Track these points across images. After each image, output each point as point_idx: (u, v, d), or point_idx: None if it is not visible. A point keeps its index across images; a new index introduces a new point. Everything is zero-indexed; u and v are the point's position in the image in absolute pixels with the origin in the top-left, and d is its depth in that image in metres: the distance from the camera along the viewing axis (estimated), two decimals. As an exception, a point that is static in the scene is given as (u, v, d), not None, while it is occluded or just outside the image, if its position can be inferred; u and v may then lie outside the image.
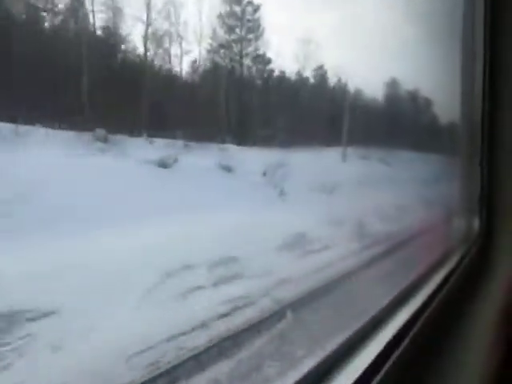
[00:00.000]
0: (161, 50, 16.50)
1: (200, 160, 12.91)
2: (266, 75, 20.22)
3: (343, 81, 20.77)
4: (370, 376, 0.95)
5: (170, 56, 16.89)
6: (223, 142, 16.27)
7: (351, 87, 20.54)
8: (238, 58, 19.06)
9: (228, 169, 13.32)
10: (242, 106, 18.34)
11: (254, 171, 13.44)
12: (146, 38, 15.45)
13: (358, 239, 8.85)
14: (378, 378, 0.96)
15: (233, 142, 16.58)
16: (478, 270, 1.88)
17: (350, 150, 17.51)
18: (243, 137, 17.37)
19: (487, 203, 2.21)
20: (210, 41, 18.46)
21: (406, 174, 14.83)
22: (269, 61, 19.85)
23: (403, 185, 14.41)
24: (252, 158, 14.22)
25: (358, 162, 16.90)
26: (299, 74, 20.92)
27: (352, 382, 0.91)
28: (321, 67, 20.57)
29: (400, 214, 10.70)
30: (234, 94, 18.52)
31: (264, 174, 13.63)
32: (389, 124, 18.68)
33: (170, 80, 17.20)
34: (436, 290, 1.41)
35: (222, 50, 18.95)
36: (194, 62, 17.95)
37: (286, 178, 13.40)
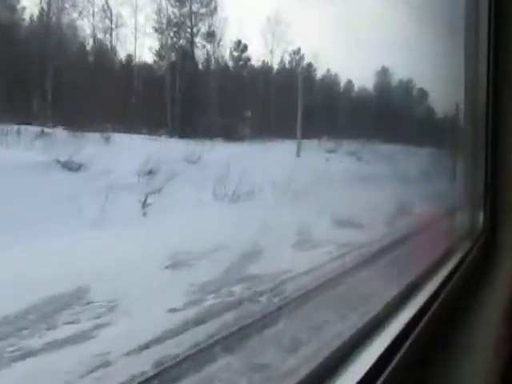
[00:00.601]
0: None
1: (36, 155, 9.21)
2: (226, 58, 17.46)
3: (315, 67, 18.43)
4: (375, 375, 0.93)
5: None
6: (152, 133, 13.69)
7: (326, 75, 18.49)
8: (188, 35, 16.23)
9: (72, 167, 9.64)
10: (191, 93, 15.91)
11: (130, 170, 9.83)
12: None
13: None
14: (383, 376, 0.94)
15: (172, 134, 14.15)
16: (483, 267, 1.85)
17: (315, 143, 15.33)
18: (188, 127, 14.78)
19: (491, 199, 2.18)
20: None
21: (381, 170, 13.29)
22: (236, 44, 16.87)
23: (372, 183, 12.44)
24: (153, 152, 10.50)
25: (316, 156, 14.56)
26: (267, 57, 17.90)
27: (357, 381, 0.88)
28: (297, 52, 17.71)
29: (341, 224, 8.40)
30: (182, 80, 15.86)
31: (148, 172, 10.23)
32: (372, 116, 16.92)
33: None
34: (439, 288, 1.38)
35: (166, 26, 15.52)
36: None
37: (181, 180, 9.88)
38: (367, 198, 9.69)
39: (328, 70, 18.36)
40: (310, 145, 14.81)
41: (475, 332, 1.40)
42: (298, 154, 14.42)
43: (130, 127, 12.87)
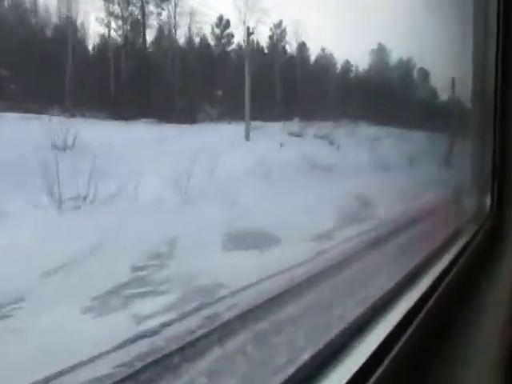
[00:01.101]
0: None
1: None
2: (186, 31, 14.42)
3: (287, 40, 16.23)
4: (382, 354, 0.95)
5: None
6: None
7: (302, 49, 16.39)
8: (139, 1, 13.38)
9: None
10: (133, 70, 13.49)
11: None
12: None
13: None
14: (391, 355, 0.96)
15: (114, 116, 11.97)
16: (490, 249, 1.86)
17: (278, 126, 12.98)
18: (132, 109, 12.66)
19: (499, 182, 2.18)
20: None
21: (355, 157, 11.65)
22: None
23: (334, 174, 10.48)
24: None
25: (271, 140, 12.04)
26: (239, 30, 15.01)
27: (360, 364, 0.91)
28: (279, 25, 15.55)
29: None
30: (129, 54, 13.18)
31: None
32: (359, 96, 15.07)
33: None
34: (445, 271, 1.40)
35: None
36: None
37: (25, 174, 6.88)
38: (304, 199, 7.04)
39: (303, 44, 16.23)
40: (273, 128, 12.72)
41: (482, 314, 1.43)
42: (246, 138, 12.28)
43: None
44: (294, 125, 13.31)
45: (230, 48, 15.83)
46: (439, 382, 1.07)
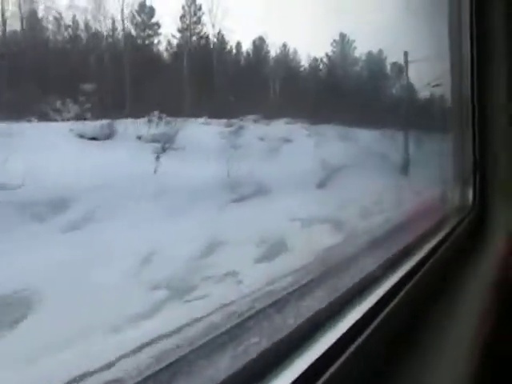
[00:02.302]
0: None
1: None
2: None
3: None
4: (350, 341, 0.94)
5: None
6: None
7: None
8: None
9: None
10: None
11: None
12: None
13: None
14: (359, 341, 0.94)
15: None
16: (472, 241, 1.86)
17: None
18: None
19: (480, 176, 2.19)
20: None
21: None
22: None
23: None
24: None
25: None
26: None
27: (332, 343, 0.89)
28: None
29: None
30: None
31: None
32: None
33: None
34: (424, 259, 1.39)
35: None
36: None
37: None
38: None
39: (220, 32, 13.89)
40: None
41: (462, 302, 1.41)
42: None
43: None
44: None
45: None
46: (413, 369, 1.05)
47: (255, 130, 9.77)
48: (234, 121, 10.16)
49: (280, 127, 10.55)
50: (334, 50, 14.89)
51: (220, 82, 12.37)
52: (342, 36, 14.49)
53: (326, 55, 14.58)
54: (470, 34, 2.24)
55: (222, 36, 13.47)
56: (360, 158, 9.35)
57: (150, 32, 12.12)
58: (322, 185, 8.40)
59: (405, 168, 8.91)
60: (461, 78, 2.32)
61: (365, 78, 14.38)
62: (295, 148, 9.57)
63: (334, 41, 14.71)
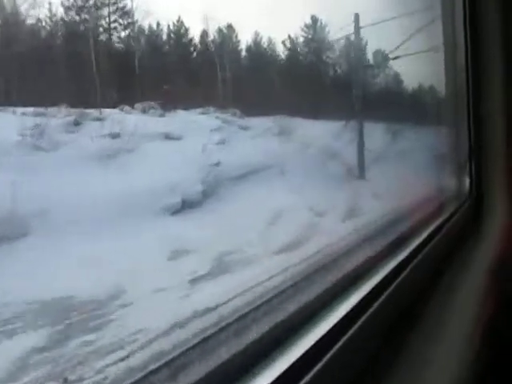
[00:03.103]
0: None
1: None
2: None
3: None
4: (345, 328, 0.92)
5: None
6: None
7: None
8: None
9: None
10: None
11: None
12: None
13: None
14: (355, 327, 0.93)
15: None
16: (469, 229, 1.84)
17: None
18: None
19: (476, 165, 2.17)
20: None
21: None
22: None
23: None
24: None
25: None
26: None
27: (326, 331, 0.87)
28: None
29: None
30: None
31: None
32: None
33: None
34: (420, 246, 1.37)
35: None
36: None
37: None
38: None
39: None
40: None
41: (463, 285, 1.40)
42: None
43: None
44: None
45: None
46: (410, 358, 1.04)
47: (112, 124, 6.76)
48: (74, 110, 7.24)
49: (171, 120, 8.12)
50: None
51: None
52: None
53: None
54: (463, 23, 2.22)
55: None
56: (288, 159, 7.14)
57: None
58: (184, 208, 5.27)
59: (360, 169, 6.82)
60: (455, 67, 2.30)
61: (306, 56, 12.19)
62: (174, 148, 6.50)
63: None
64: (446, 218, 1.69)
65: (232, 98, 10.32)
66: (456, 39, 2.22)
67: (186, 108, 9.11)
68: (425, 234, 1.45)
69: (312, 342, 0.81)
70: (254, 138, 7.75)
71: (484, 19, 2.20)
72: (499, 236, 1.85)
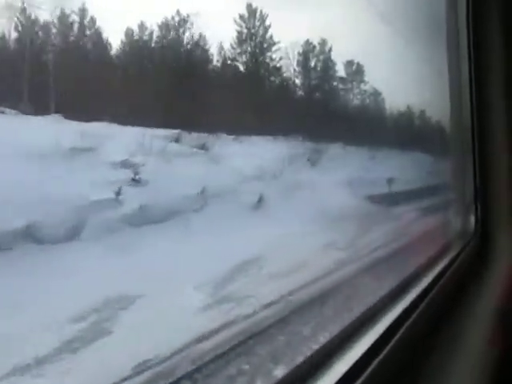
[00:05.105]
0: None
1: None
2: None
3: None
4: (366, 363, 0.89)
5: None
6: None
7: None
8: None
9: None
10: None
11: None
12: None
13: None
14: (370, 368, 0.90)
15: None
16: (475, 268, 1.81)
17: None
18: None
19: (482, 203, 2.15)
20: None
21: None
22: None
23: None
24: None
25: None
26: None
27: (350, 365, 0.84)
28: None
29: None
30: None
31: None
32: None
33: None
34: (428, 288, 1.34)
35: None
36: None
37: None
38: None
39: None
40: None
41: (469, 328, 1.36)
42: None
43: None
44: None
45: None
46: None
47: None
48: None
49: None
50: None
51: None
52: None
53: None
54: (468, 59, 2.24)
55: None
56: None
57: None
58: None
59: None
60: (460, 103, 2.30)
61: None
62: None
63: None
64: (452, 257, 1.66)
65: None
66: (461, 78, 2.24)
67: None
68: (431, 276, 1.43)
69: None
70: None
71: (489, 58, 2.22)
72: (505, 276, 1.82)
